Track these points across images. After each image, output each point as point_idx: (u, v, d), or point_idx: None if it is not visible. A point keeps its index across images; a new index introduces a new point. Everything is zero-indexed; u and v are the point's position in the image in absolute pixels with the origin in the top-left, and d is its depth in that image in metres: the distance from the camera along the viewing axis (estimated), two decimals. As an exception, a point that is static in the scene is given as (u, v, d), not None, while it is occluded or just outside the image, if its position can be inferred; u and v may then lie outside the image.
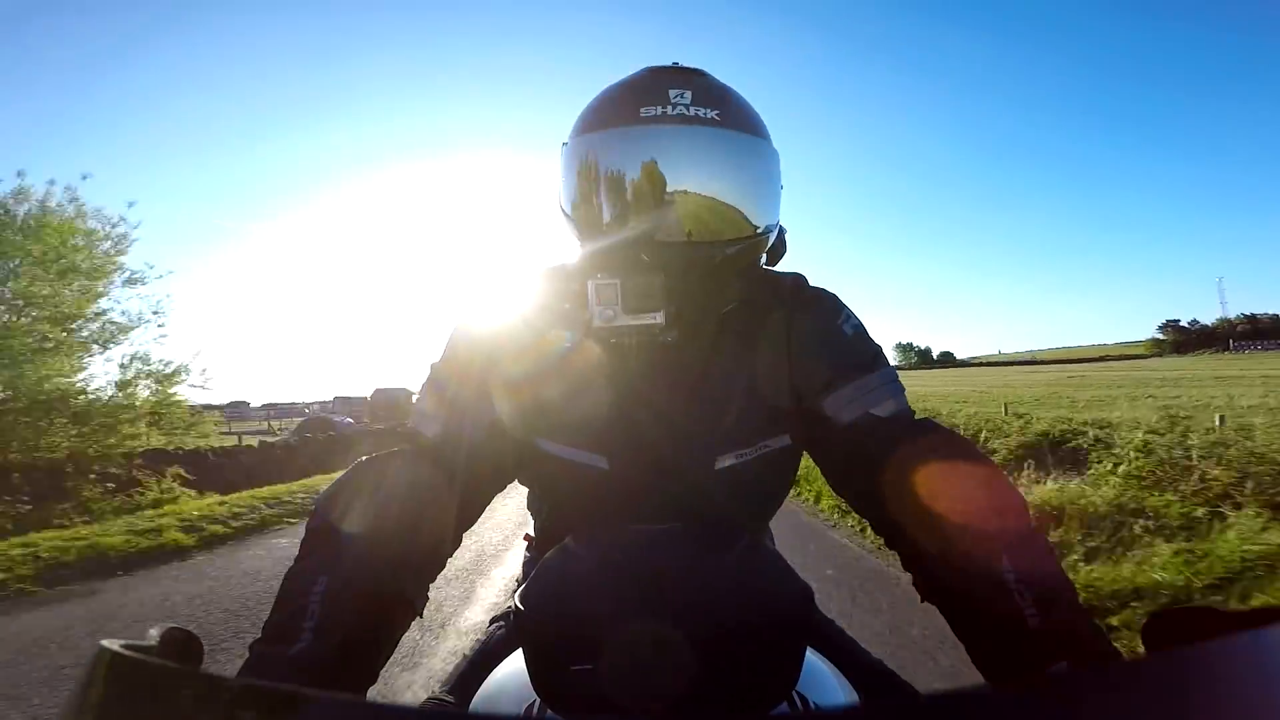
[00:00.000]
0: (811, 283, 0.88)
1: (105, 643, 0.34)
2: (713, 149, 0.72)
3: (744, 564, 0.59)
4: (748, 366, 0.81)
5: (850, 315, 0.84)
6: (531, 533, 1.01)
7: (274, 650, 0.55)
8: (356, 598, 0.60)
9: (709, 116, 0.72)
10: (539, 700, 0.64)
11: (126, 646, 0.35)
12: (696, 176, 0.72)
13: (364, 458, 0.73)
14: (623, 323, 0.72)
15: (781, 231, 0.83)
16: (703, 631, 0.52)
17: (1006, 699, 0.24)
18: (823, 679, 0.76)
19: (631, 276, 0.71)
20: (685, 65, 0.78)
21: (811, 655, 0.78)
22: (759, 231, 0.76)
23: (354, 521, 0.65)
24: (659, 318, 0.71)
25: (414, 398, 0.90)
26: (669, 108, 0.71)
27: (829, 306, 0.85)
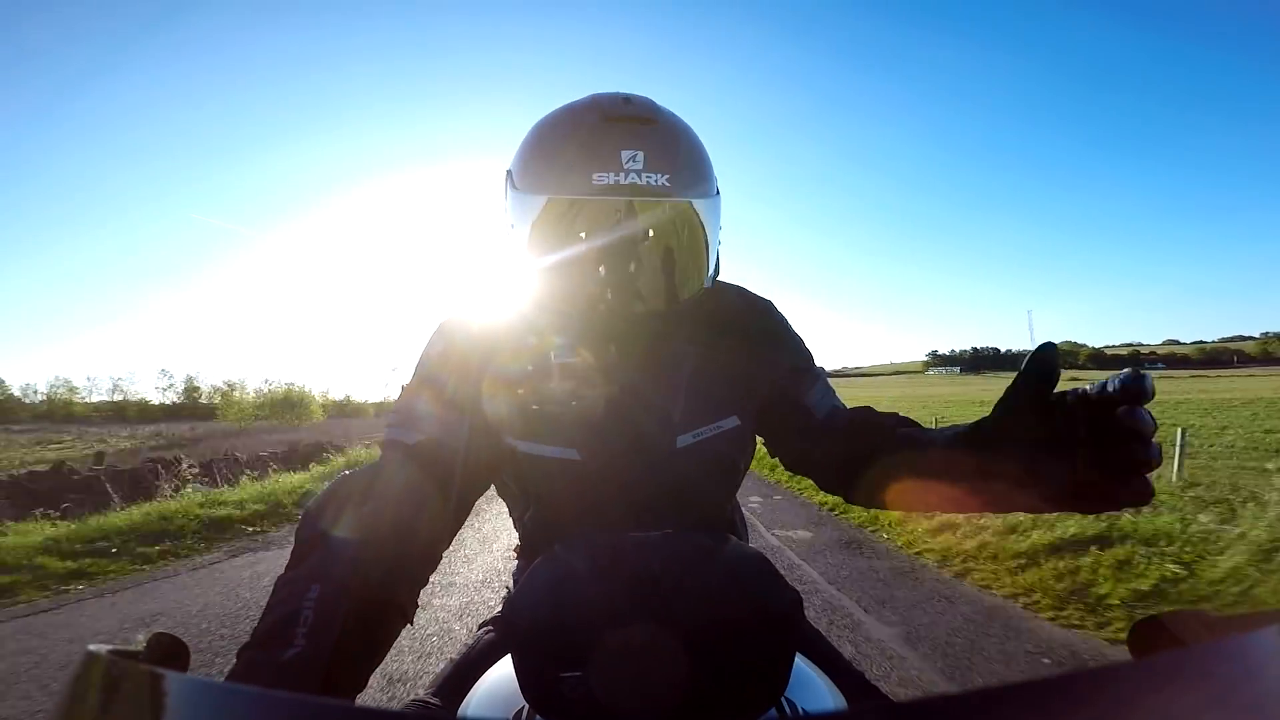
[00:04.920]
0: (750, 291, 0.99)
1: (92, 647, 0.34)
2: (665, 219, 0.75)
3: (733, 569, 0.59)
4: (694, 359, 0.87)
5: (788, 320, 0.96)
6: (518, 543, 1.02)
7: (264, 656, 0.55)
8: (351, 605, 0.60)
9: (660, 184, 0.73)
10: (527, 706, 0.63)
11: (114, 651, 0.35)
12: (649, 245, 0.76)
13: (348, 470, 0.74)
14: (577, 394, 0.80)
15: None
16: (692, 637, 0.52)
17: (991, 703, 0.24)
18: (811, 685, 0.76)
19: (585, 349, 0.80)
20: (634, 103, 0.77)
21: (800, 661, 0.78)
22: (700, 289, 0.81)
23: (345, 530, 0.66)
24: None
25: None
26: (622, 175, 0.72)
27: (775, 312, 0.96)
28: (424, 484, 0.74)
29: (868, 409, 0.89)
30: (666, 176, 0.73)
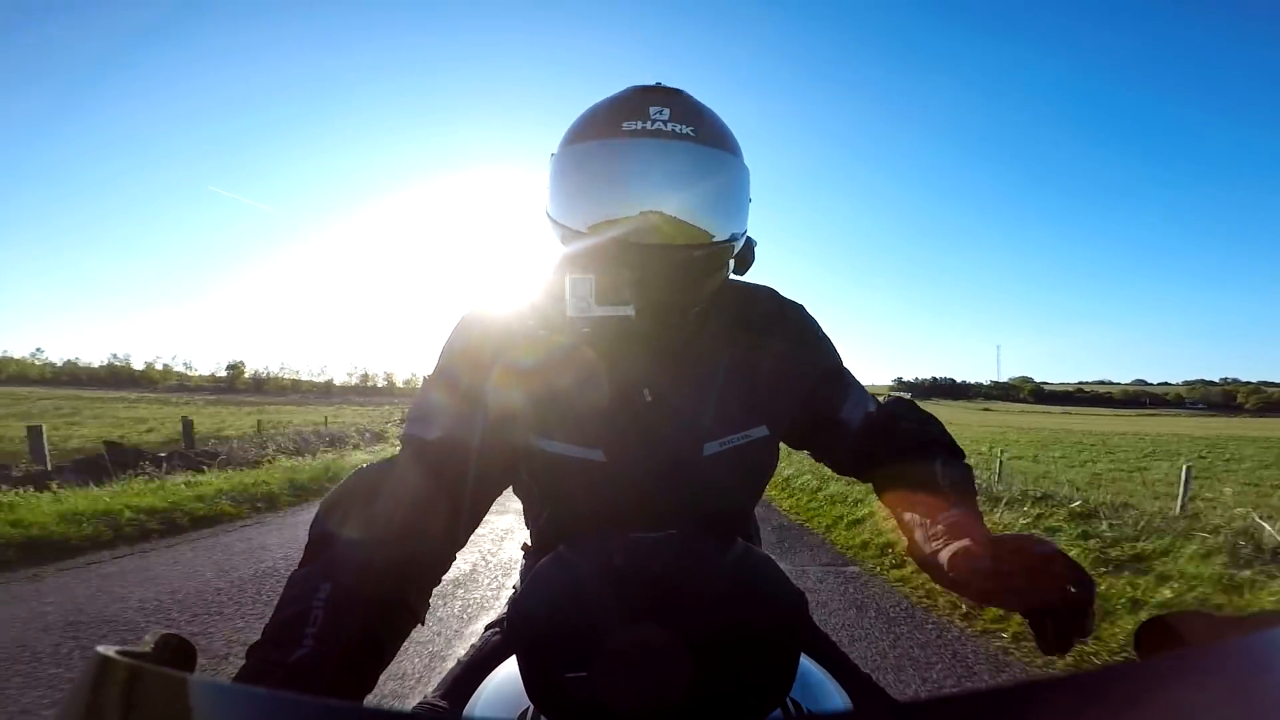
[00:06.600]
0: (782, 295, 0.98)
1: (101, 648, 0.34)
2: (686, 161, 0.77)
3: (739, 570, 0.59)
4: (726, 363, 0.86)
5: (820, 324, 0.95)
6: (529, 542, 1.01)
7: (273, 656, 0.55)
8: (361, 605, 0.60)
9: (684, 132, 0.77)
10: (533, 707, 0.63)
11: (122, 652, 0.35)
12: (670, 186, 0.77)
13: (364, 464, 0.73)
14: (596, 313, 0.76)
15: (750, 243, 0.87)
16: (698, 638, 0.52)
17: (998, 703, 0.24)
18: (817, 685, 0.76)
19: (605, 272, 0.76)
20: (667, 85, 0.83)
21: (805, 661, 0.78)
22: (726, 239, 0.80)
23: (357, 528, 0.65)
24: (630, 310, 0.76)
25: None
26: (648, 123, 0.77)
27: (808, 316, 0.95)
28: (439, 482, 0.73)
29: (898, 411, 0.93)
30: (691, 128, 0.77)
